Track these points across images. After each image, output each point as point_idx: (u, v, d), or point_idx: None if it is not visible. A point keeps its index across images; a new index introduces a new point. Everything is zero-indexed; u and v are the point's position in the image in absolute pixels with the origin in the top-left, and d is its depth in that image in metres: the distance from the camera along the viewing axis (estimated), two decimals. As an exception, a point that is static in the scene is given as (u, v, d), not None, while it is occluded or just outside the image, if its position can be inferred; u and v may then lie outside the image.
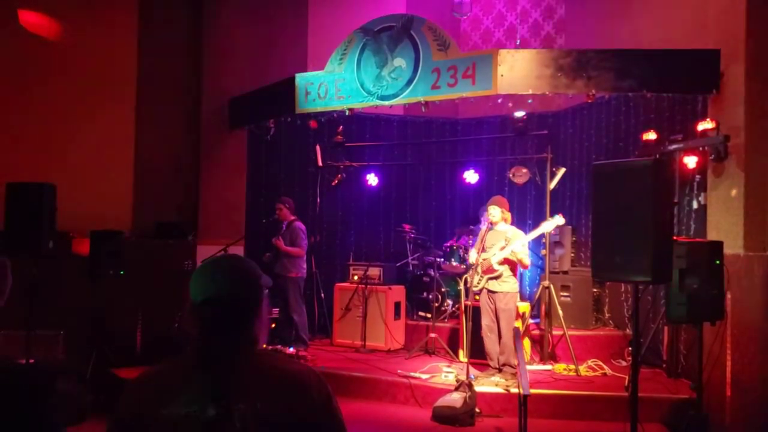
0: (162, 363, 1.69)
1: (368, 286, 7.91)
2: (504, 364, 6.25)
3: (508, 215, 6.51)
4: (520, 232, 6.41)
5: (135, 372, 5.88)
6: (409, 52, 6.82)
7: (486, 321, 6.40)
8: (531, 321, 7.34)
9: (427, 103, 6.80)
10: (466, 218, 9.37)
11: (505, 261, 6.31)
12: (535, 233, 6.47)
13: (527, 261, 6.31)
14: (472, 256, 6.59)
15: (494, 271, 6.31)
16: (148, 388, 1.63)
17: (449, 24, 8.90)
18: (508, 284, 6.32)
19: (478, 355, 6.64)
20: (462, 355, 7.07)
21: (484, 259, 6.37)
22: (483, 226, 8.19)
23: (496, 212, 6.46)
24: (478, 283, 6.43)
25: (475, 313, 6.63)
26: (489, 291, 6.37)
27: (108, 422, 1.64)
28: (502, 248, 6.28)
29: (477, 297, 6.84)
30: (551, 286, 7.04)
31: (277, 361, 1.68)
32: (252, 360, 1.62)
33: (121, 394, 1.65)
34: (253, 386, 1.56)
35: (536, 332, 7.32)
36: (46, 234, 5.85)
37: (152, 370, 1.68)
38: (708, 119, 5.94)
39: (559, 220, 6.38)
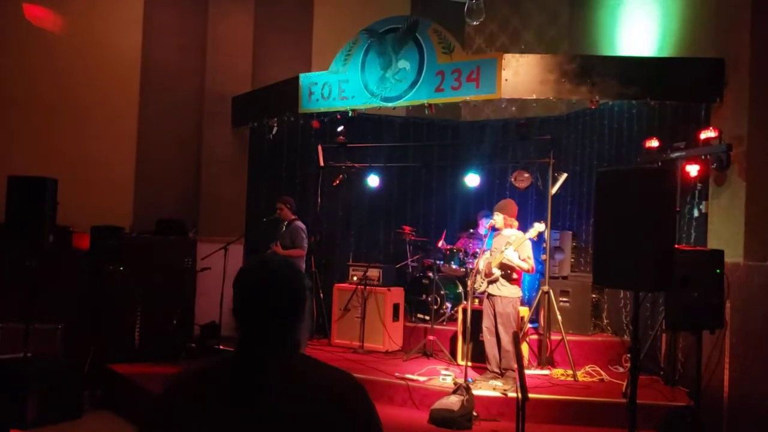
0: (201, 363, 1.66)
1: (367, 287, 7.91)
2: (506, 369, 6.24)
3: (513, 221, 6.50)
4: (520, 237, 6.38)
5: (133, 367, 5.89)
6: (413, 54, 6.83)
7: (486, 323, 6.43)
8: (529, 326, 7.34)
9: (430, 105, 6.81)
10: (466, 222, 9.38)
11: (503, 266, 6.32)
12: (521, 240, 6.40)
13: (525, 266, 6.27)
14: (478, 260, 6.60)
15: (493, 274, 6.34)
16: (186, 389, 1.60)
17: (453, 26, 8.91)
18: (507, 289, 6.32)
19: (477, 358, 6.65)
20: (460, 358, 7.07)
21: (486, 263, 6.40)
22: (482, 230, 8.24)
23: (498, 219, 6.48)
24: (480, 286, 6.46)
25: (474, 316, 6.64)
26: (489, 294, 6.40)
27: (145, 419, 1.63)
28: (501, 252, 6.30)
29: (476, 300, 6.84)
30: (551, 291, 7.04)
31: (319, 368, 1.64)
32: (293, 365, 1.59)
33: (159, 393, 1.63)
34: (291, 392, 1.54)
35: (535, 337, 7.31)
36: (46, 228, 5.86)
37: (190, 371, 1.65)
38: (711, 128, 5.95)
39: (539, 227, 6.35)
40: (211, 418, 1.51)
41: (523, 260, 6.28)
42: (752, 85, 5.59)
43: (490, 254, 6.49)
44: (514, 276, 6.34)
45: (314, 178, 9.05)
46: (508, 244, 6.28)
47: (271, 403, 1.51)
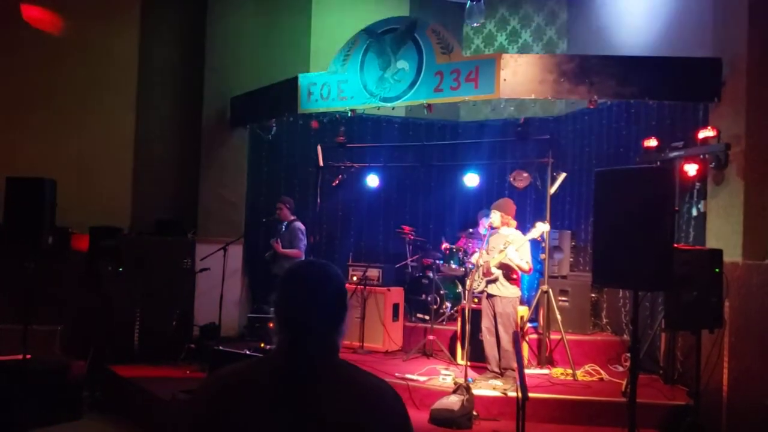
0: (243, 362, 1.67)
1: (367, 287, 7.91)
2: (505, 369, 6.25)
3: (511, 221, 6.50)
4: (520, 237, 6.40)
5: (132, 369, 5.87)
6: (412, 54, 6.83)
7: (485, 323, 6.44)
8: (529, 325, 7.34)
9: (429, 105, 6.81)
10: (465, 221, 9.39)
11: (502, 265, 6.33)
12: (523, 241, 6.41)
13: (524, 267, 6.28)
14: (475, 258, 6.62)
15: (492, 274, 6.35)
16: (227, 386, 1.59)
17: (451, 26, 8.92)
18: (507, 289, 6.33)
19: (477, 358, 6.65)
20: (460, 358, 7.08)
21: (485, 262, 6.40)
22: (482, 230, 8.24)
23: (495, 217, 6.49)
24: (478, 285, 6.47)
25: (474, 315, 6.64)
26: (489, 294, 6.40)
27: (183, 419, 1.63)
28: (500, 252, 6.31)
29: (476, 300, 6.85)
30: (550, 291, 7.05)
31: (357, 374, 1.65)
32: (331, 370, 1.60)
33: (200, 389, 1.64)
34: (331, 397, 1.54)
35: (534, 336, 7.32)
36: (45, 229, 5.84)
37: (232, 368, 1.65)
38: (709, 127, 5.96)
39: (543, 227, 6.35)
40: (259, 421, 1.51)
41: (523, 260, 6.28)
42: (750, 84, 5.60)
43: (487, 253, 6.49)
44: (513, 276, 6.35)
45: (313, 179, 9.05)
46: (508, 243, 6.28)
47: (319, 407, 1.52)
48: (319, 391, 1.54)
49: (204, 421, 1.56)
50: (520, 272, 6.38)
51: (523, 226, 8.38)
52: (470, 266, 7.77)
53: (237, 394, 1.56)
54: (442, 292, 8.14)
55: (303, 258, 7.61)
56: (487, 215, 8.36)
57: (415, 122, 9.70)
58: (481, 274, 6.44)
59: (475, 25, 7.34)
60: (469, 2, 7.05)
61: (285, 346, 1.61)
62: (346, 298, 1.70)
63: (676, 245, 4.60)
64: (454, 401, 5.48)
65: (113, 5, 8.60)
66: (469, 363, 6.33)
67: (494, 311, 6.34)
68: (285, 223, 7.76)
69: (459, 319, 7.25)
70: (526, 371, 6.16)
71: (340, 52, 7.33)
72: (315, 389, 1.54)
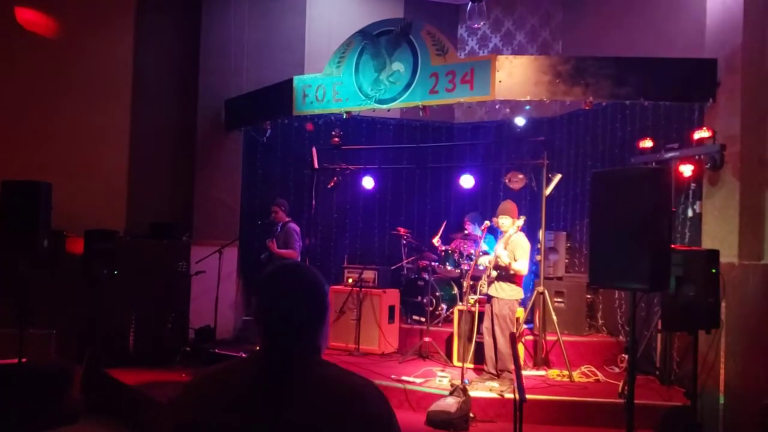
0: (223, 363, 1.68)
1: (363, 289, 7.89)
2: (502, 370, 6.25)
3: (519, 221, 6.50)
4: (521, 237, 6.39)
5: (128, 372, 5.85)
6: (407, 56, 6.83)
7: (486, 324, 6.45)
8: (525, 326, 7.34)
9: (424, 108, 6.81)
10: (460, 224, 9.37)
11: (497, 266, 6.32)
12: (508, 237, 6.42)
13: (516, 266, 6.23)
14: (482, 260, 6.63)
15: (492, 275, 6.36)
16: (206, 389, 1.61)
17: (446, 28, 8.93)
18: (504, 291, 6.32)
19: (473, 359, 6.65)
20: (456, 360, 7.07)
21: (489, 263, 6.42)
22: (467, 230, 8.28)
23: (506, 222, 6.44)
24: (482, 287, 6.49)
25: (470, 317, 6.64)
26: (489, 296, 6.43)
27: (167, 421, 1.65)
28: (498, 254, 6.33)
29: (471, 301, 6.85)
30: (545, 292, 7.05)
31: (338, 373, 1.63)
32: (311, 370, 1.59)
33: (180, 393, 1.65)
34: (309, 397, 1.53)
35: (530, 338, 7.32)
36: (40, 232, 5.81)
37: (212, 371, 1.67)
38: (704, 128, 5.99)
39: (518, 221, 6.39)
40: (236, 423, 1.51)
41: (515, 259, 6.25)
42: (745, 85, 5.63)
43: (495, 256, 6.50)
44: (511, 271, 6.31)
45: (308, 181, 9.03)
46: (507, 244, 6.30)
47: (296, 409, 1.51)
48: (294, 393, 1.53)
49: (183, 424, 1.57)
50: (521, 274, 6.36)
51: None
52: (465, 268, 7.77)
53: (214, 396, 1.57)
54: (437, 293, 8.13)
55: (298, 259, 7.60)
56: (474, 220, 8.39)
57: (410, 124, 9.69)
58: (486, 276, 6.47)
59: (476, 26, 7.34)
60: (470, 3, 7.05)
61: (264, 348, 1.62)
62: (326, 300, 1.70)
63: (672, 246, 4.61)
64: (450, 403, 5.47)
65: (108, 8, 8.57)
66: (465, 365, 6.33)
67: (492, 312, 6.34)
68: (280, 225, 7.75)
69: (455, 320, 7.24)
70: (523, 373, 6.16)
71: (335, 54, 7.33)
72: (290, 391, 1.53)
